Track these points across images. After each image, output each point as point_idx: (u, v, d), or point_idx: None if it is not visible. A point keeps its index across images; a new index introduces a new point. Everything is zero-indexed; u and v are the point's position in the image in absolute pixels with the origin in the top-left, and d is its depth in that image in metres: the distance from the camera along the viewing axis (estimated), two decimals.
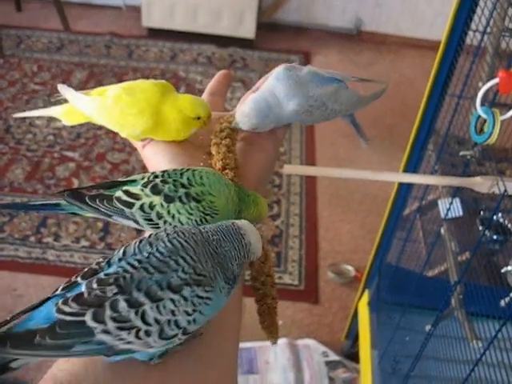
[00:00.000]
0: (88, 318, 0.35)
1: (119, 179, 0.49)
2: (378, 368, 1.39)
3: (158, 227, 0.46)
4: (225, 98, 0.64)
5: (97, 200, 0.47)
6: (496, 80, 0.80)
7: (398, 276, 1.39)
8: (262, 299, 0.53)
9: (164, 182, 0.47)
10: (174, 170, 0.48)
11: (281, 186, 2.40)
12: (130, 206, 0.46)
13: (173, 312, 0.36)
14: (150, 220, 0.46)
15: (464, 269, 0.91)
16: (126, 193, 0.47)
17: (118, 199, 0.47)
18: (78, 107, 0.58)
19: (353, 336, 1.72)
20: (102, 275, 0.36)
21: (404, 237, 1.35)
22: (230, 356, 0.46)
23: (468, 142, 1.09)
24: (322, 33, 3.59)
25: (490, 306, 0.83)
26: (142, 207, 0.46)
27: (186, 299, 0.36)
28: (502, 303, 0.82)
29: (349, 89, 0.62)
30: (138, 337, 0.35)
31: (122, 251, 0.38)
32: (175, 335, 0.37)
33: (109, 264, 0.37)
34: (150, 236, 0.39)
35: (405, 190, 1.37)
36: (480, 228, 1.21)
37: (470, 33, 1.04)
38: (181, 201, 0.46)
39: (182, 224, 0.45)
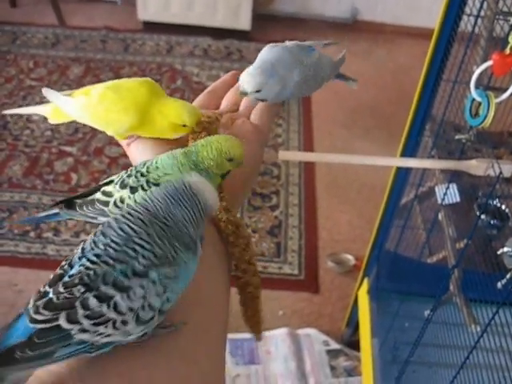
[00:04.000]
0: (62, 322, 0.35)
1: (100, 183, 0.52)
2: (379, 356, 1.40)
3: None
4: (223, 97, 0.62)
5: (83, 206, 0.51)
6: (490, 62, 0.79)
7: (396, 263, 1.39)
8: (244, 288, 0.52)
9: (129, 175, 0.49)
10: (141, 162, 0.50)
11: (279, 177, 2.40)
12: (107, 204, 0.49)
13: (144, 297, 0.36)
14: None
15: (461, 252, 0.91)
16: (103, 193, 0.50)
17: (98, 201, 0.50)
18: (64, 110, 0.58)
19: (353, 324, 1.72)
20: (66, 278, 0.37)
21: (402, 224, 1.35)
22: (216, 348, 0.45)
23: (464, 128, 1.09)
24: (318, 23, 3.57)
25: (489, 292, 0.83)
26: (115, 203, 0.49)
27: (154, 282, 0.36)
28: (499, 285, 0.82)
29: (323, 54, 0.62)
30: (115, 327, 0.36)
31: (80, 249, 0.38)
32: (152, 317, 0.37)
33: (71, 266, 0.38)
34: (103, 225, 0.39)
35: (402, 176, 1.36)
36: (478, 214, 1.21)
37: (465, 17, 1.04)
38: (143, 188, 0.48)
39: None
